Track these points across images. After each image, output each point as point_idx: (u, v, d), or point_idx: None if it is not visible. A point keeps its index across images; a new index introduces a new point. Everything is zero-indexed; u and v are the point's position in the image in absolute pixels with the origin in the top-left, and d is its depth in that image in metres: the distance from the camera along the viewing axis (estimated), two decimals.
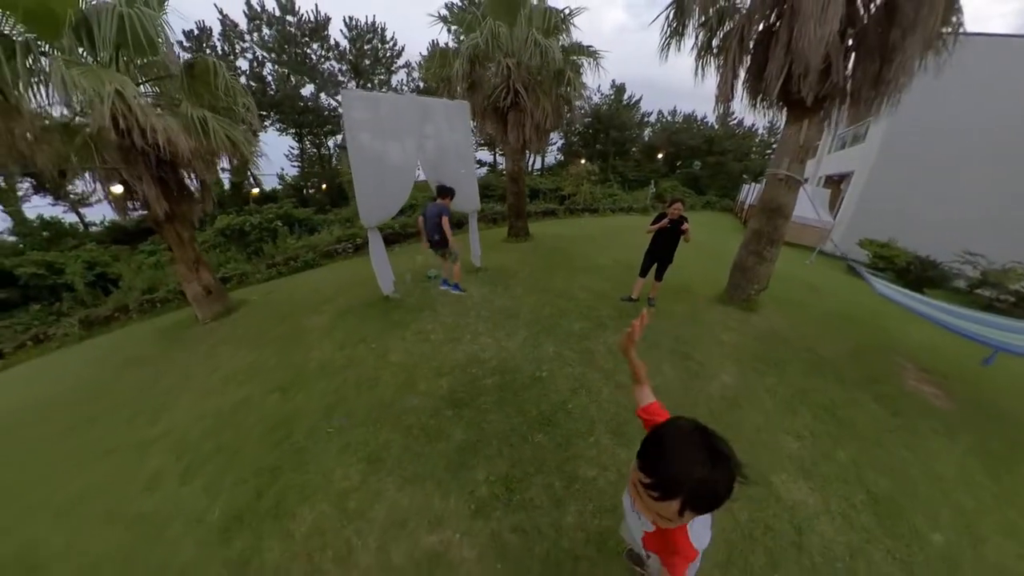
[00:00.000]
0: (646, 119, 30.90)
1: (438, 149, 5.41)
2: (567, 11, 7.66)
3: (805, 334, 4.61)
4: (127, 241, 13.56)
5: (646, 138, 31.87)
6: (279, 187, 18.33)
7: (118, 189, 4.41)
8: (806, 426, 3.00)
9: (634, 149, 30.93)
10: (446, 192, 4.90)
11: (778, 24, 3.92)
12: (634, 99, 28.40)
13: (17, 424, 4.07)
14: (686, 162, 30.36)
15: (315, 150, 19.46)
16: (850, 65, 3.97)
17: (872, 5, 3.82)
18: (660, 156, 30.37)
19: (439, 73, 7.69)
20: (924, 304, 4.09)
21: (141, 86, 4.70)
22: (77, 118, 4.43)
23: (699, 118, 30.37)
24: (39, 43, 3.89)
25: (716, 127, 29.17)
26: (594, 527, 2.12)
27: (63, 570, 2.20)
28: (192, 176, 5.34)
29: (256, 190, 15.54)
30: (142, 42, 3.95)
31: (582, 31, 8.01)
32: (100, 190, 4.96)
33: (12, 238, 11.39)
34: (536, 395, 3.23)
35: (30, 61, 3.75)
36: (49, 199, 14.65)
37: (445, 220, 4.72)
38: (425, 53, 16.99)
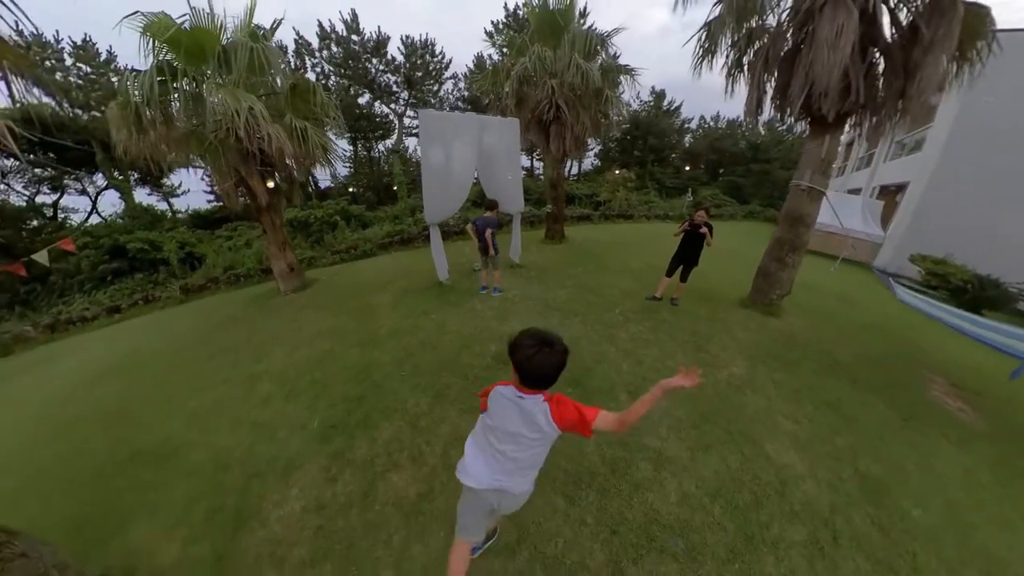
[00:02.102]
0: (686, 125, 30.35)
1: (491, 158, 6.13)
2: (605, 33, 8.23)
3: (825, 339, 4.69)
4: (205, 227, 15.46)
5: (687, 144, 31.29)
6: (333, 185, 20.05)
7: (271, 185, 5.48)
8: (806, 415, 3.21)
9: (674, 156, 30.44)
10: (495, 205, 5.42)
11: (802, 45, 4.16)
12: (674, 105, 28.08)
13: (144, 360, 5.19)
14: (728, 169, 29.43)
15: (366, 153, 21.19)
16: (879, 81, 4.13)
17: (897, 26, 3.98)
18: (688, 168, 29.46)
19: (490, 89, 8.55)
20: (949, 313, 4.08)
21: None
22: (203, 127, 5.55)
23: (743, 124, 29.40)
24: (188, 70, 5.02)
25: (763, 133, 28.11)
26: (608, 454, 2.67)
27: (201, 454, 3.01)
28: (280, 174, 6.41)
29: (328, 185, 17.35)
30: (264, 66, 4.99)
31: (619, 47, 8.55)
32: (213, 183, 6.06)
33: (120, 220, 13.44)
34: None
35: (184, 84, 4.85)
36: (147, 189, 17.03)
37: (489, 233, 5.12)
38: (471, 65, 18.18)
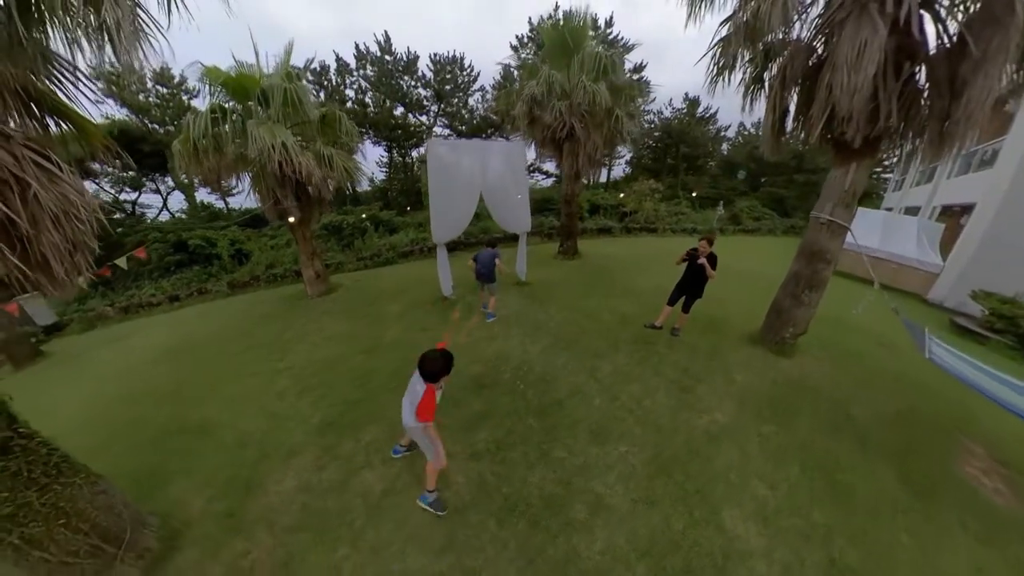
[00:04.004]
0: (722, 133, 29.23)
1: (498, 181, 6.47)
2: (614, 52, 8.33)
3: (841, 388, 4.13)
4: (254, 225, 17.05)
5: (724, 152, 30.20)
6: (369, 189, 21.49)
7: (292, 219, 6.39)
8: (787, 479, 2.84)
9: (711, 164, 29.48)
10: (495, 243, 5.77)
11: (825, 61, 3.62)
12: (709, 112, 27.11)
13: (195, 346, 6.14)
14: (770, 180, 27.98)
15: (400, 159, 22.51)
16: (920, 100, 3.55)
17: (943, 36, 3.38)
18: (706, 179, 27.94)
19: (506, 110, 9.02)
20: (1003, 384, 3.06)
21: (290, 129, 6.65)
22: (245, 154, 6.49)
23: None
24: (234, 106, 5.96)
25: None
26: (548, 490, 2.79)
27: (229, 433, 3.71)
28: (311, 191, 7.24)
29: (365, 188, 18.95)
30: (298, 103, 5.84)
31: (647, 56, 8.66)
32: (259, 199, 7.00)
33: (184, 217, 15.27)
34: (540, 391, 3.95)
35: (232, 120, 5.74)
36: (208, 189, 19.08)
37: (499, 263, 5.48)
38: (498, 77, 18.87)
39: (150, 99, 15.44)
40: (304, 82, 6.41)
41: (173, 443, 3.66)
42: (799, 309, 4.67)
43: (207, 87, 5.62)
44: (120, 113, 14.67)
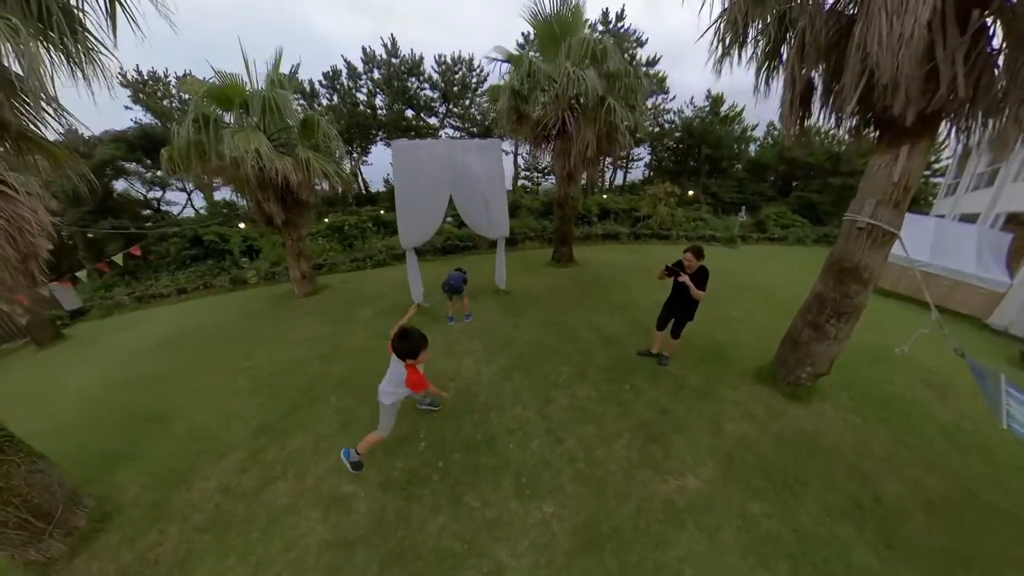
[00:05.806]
0: (749, 133, 27.67)
1: (470, 183, 6.12)
2: (628, 41, 7.90)
3: (870, 452, 3.17)
4: (268, 222, 17.88)
5: (752, 154, 28.66)
6: (384, 189, 21.97)
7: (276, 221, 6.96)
8: None
9: (738, 166, 28.07)
10: (463, 271, 5.60)
11: (855, 13, 2.84)
12: (734, 111, 25.67)
13: (190, 339, 6.53)
14: (802, 184, 26.28)
15: None
16: (996, 63, 2.65)
17: None
18: (731, 182, 26.39)
19: (494, 107, 8.70)
20: None
21: (274, 135, 6.92)
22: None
23: (821, 130, 25.96)
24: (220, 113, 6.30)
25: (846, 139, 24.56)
26: (445, 543, 2.44)
27: (183, 426, 3.91)
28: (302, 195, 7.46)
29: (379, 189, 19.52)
30: (279, 111, 6.09)
31: (661, 50, 8.01)
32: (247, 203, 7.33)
33: (204, 213, 16.22)
34: (477, 422, 3.51)
35: (213, 128, 6.04)
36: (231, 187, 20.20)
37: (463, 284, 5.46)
38: (507, 76, 18.88)
39: (173, 105, 16.70)
40: (285, 89, 6.63)
41: (137, 430, 3.93)
42: (821, 343, 3.65)
43: (192, 98, 5.95)
44: (146, 118, 15.90)
